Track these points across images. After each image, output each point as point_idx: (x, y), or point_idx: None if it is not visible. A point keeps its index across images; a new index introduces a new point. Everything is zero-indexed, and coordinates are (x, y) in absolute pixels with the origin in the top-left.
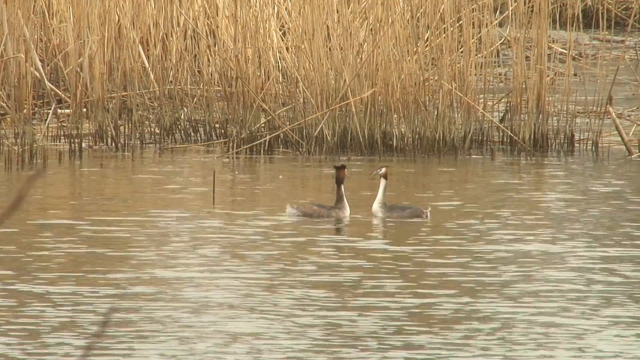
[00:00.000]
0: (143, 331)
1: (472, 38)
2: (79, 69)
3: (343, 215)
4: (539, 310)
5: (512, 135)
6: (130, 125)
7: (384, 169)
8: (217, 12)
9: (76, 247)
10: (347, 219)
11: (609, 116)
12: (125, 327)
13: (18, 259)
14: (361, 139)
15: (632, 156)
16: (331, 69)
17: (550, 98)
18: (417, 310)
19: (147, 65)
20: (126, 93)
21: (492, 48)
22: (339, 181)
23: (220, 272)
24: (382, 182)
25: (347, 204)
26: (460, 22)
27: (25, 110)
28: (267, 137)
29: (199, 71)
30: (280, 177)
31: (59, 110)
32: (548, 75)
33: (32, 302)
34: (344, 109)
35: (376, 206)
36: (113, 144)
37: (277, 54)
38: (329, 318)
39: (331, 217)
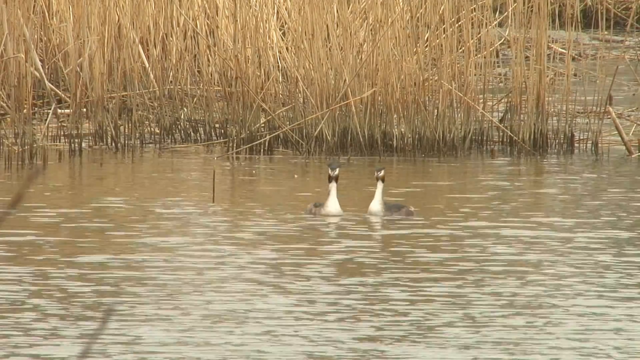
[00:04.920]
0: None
1: (472, 38)
2: (78, 69)
3: (325, 212)
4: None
5: (512, 135)
6: (130, 125)
7: (382, 172)
8: (216, 12)
9: (72, 241)
10: (332, 217)
11: (609, 116)
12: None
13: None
14: (361, 139)
15: (632, 156)
16: (331, 69)
17: (550, 98)
18: (423, 298)
19: (147, 65)
20: (126, 93)
21: (491, 48)
22: (330, 179)
23: (217, 265)
24: (380, 184)
25: (334, 201)
26: (460, 22)
27: (25, 110)
28: (267, 137)
29: (198, 71)
30: (295, 176)
31: (59, 110)
32: (548, 76)
33: (26, 287)
34: (344, 109)
35: (377, 206)
36: (113, 144)
37: (277, 53)
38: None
39: (312, 214)
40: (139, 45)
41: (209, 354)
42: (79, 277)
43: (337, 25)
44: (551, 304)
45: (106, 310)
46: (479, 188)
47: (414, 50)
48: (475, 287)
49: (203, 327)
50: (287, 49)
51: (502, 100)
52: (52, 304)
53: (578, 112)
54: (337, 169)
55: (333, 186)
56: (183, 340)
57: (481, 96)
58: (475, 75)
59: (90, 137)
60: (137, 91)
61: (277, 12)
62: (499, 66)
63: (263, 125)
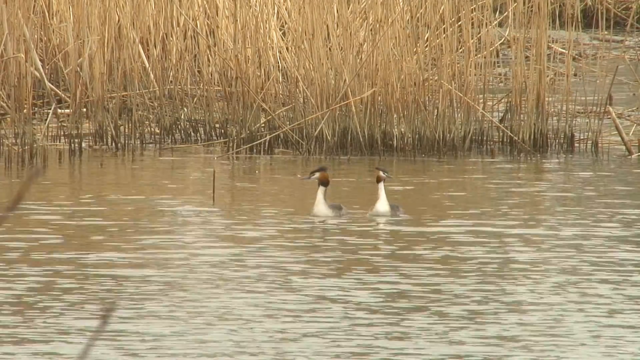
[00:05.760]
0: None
1: (472, 38)
2: (79, 69)
3: (312, 214)
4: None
5: (512, 135)
6: (130, 125)
7: (317, 174)
8: (217, 12)
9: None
10: (318, 217)
11: (609, 116)
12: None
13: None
14: (361, 139)
15: (632, 156)
16: (331, 69)
17: (550, 98)
18: (424, 296)
19: (147, 65)
20: (126, 93)
21: (492, 48)
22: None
23: (215, 263)
24: (381, 185)
25: (319, 204)
26: (460, 22)
27: (25, 110)
28: (267, 137)
29: (199, 71)
30: (299, 176)
31: (59, 110)
32: (548, 76)
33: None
34: (344, 109)
35: (385, 206)
36: (113, 144)
37: (277, 53)
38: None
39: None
40: (139, 45)
41: (210, 351)
42: (79, 275)
43: (337, 25)
44: (550, 301)
45: (106, 308)
46: (479, 188)
47: (414, 50)
48: (475, 285)
49: (203, 324)
50: (287, 49)
51: (502, 100)
52: (52, 302)
53: (578, 112)
54: (317, 173)
55: (320, 190)
56: (184, 337)
57: (481, 96)
58: (475, 75)
59: (90, 137)
60: (137, 91)
61: (277, 12)
62: (499, 66)
63: (263, 125)
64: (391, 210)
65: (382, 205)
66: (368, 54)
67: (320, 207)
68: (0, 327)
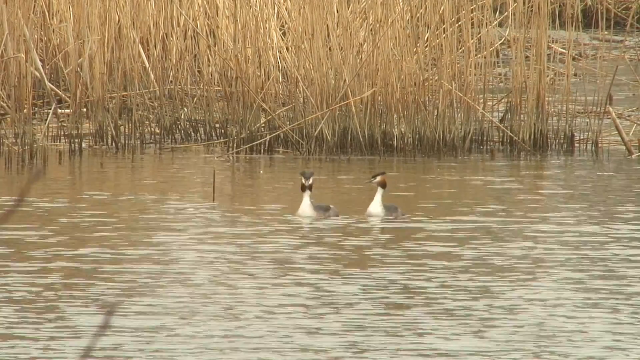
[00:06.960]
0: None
1: (472, 38)
2: (79, 69)
3: (297, 214)
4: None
5: (512, 135)
6: (130, 125)
7: (379, 177)
8: (217, 12)
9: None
10: (302, 219)
11: (609, 116)
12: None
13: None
14: (361, 139)
15: (632, 156)
16: (331, 69)
17: (550, 98)
18: (425, 294)
19: (147, 65)
20: (126, 93)
21: (492, 48)
22: (303, 188)
23: (212, 262)
24: (379, 191)
25: (304, 204)
26: (460, 22)
27: (25, 110)
28: (267, 137)
29: (199, 71)
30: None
31: (59, 110)
32: (548, 76)
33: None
34: (344, 109)
35: (377, 208)
36: (113, 144)
37: (277, 53)
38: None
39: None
40: (139, 45)
41: (209, 347)
42: (80, 274)
43: (337, 25)
44: (549, 300)
45: (110, 305)
46: (479, 188)
47: (414, 50)
48: (474, 284)
49: (203, 322)
50: (287, 49)
51: (502, 100)
52: (52, 301)
53: (578, 112)
54: (311, 178)
55: (306, 193)
56: (182, 334)
57: (481, 96)
58: (475, 75)
59: (90, 137)
60: (137, 91)
61: (277, 12)
62: (499, 66)
63: (263, 125)
64: (387, 211)
65: (375, 207)
66: (368, 54)
67: (305, 208)
68: (2, 324)
